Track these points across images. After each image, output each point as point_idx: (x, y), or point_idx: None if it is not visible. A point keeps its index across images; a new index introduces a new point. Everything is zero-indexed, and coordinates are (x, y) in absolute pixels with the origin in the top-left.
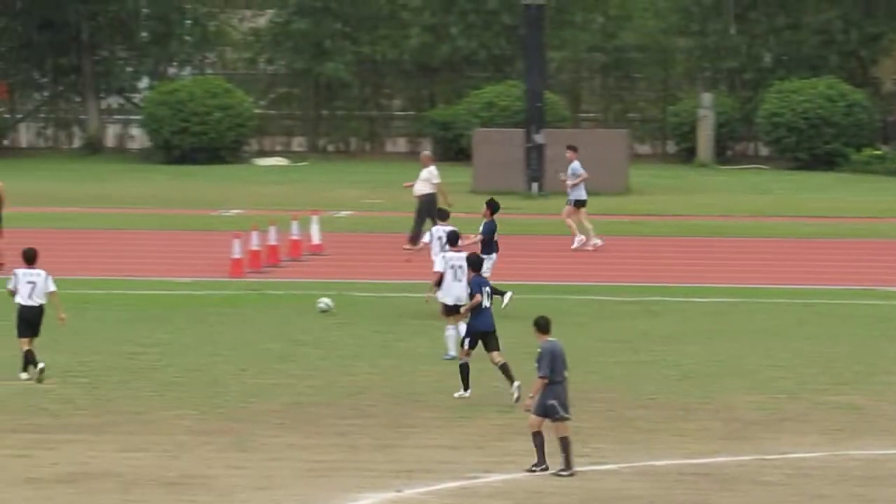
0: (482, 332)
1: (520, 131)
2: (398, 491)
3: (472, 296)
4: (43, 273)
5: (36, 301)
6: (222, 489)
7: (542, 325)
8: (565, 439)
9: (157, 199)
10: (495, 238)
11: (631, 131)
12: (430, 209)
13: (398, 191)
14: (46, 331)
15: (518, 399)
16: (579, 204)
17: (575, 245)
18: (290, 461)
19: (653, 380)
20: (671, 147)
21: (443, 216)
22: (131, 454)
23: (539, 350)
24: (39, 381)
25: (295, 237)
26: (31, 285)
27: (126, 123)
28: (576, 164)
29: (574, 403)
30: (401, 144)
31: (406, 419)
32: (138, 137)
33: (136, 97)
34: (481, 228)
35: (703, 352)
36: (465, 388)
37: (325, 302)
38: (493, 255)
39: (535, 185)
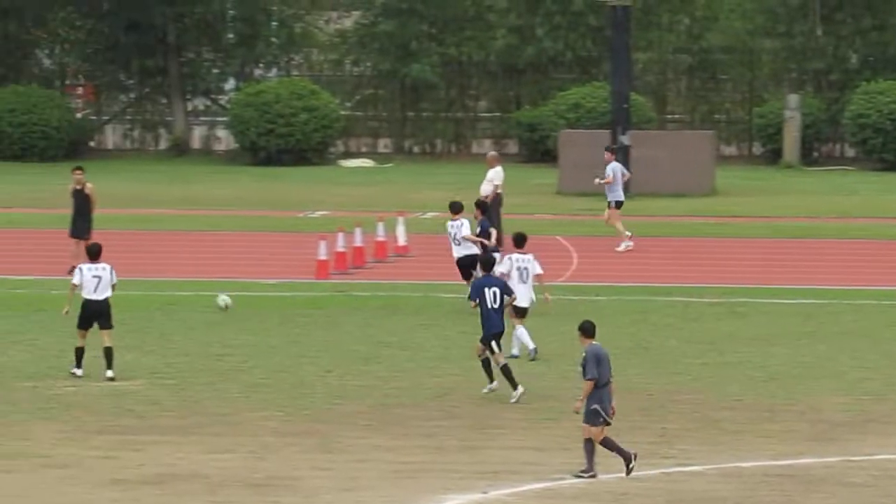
0: (496, 334)
1: (605, 133)
2: (484, 492)
3: (471, 298)
4: (108, 267)
5: (102, 295)
6: (308, 490)
7: (587, 329)
8: (606, 440)
9: (242, 201)
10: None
11: (717, 133)
12: (495, 209)
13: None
14: (135, 332)
15: (517, 401)
16: (618, 205)
17: (621, 248)
18: (376, 462)
19: (739, 381)
20: (757, 148)
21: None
22: (218, 455)
23: (583, 354)
24: (112, 379)
25: (381, 238)
26: (97, 280)
27: (212, 125)
28: (614, 165)
29: (661, 405)
30: (486, 146)
31: (491, 420)
32: (224, 139)
33: (223, 99)
34: (478, 230)
35: (789, 353)
36: (490, 381)
37: (223, 299)
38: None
39: None
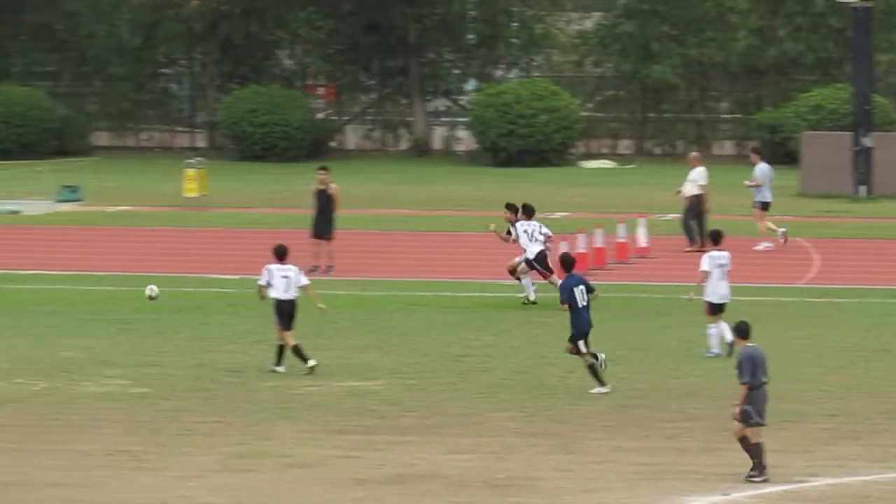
0: (586, 333)
1: (848, 135)
2: (725, 494)
3: (562, 300)
4: (294, 268)
5: (291, 295)
6: (549, 491)
7: (743, 331)
8: (757, 445)
9: (483, 202)
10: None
11: None
12: (697, 210)
13: (724, 194)
14: (376, 332)
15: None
16: (764, 206)
17: (763, 247)
18: (617, 464)
19: None
20: None
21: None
22: (459, 456)
23: (739, 356)
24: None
25: (621, 240)
26: (286, 280)
27: (452, 125)
28: (762, 166)
29: None
30: (728, 147)
31: (733, 423)
32: (465, 140)
33: (463, 99)
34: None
35: None
36: (601, 385)
37: (151, 289)
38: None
39: (862, 189)
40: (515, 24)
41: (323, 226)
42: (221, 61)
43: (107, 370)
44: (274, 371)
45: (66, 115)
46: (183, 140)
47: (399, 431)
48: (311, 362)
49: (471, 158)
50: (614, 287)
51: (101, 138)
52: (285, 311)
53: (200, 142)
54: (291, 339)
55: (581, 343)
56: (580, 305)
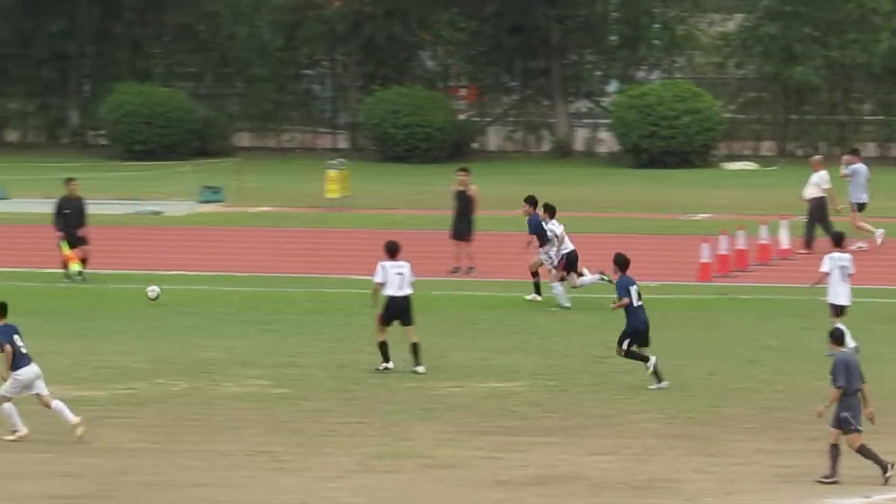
0: (643, 331)
1: None
2: (866, 497)
3: (620, 297)
4: (407, 264)
5: (405, 291)
6: (690, 493)
7: (838, 337)
8: (862, 447)
9: (624, 203)
10: (547, 232)
11: None
12: (820, 213)
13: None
14: (518, 333)
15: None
16: (860, 207)
17: (872, 244)
18: (759, 466)
19: None
20: None
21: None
22: (600, 457)
23: (833, 361)
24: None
25: (764, 241)
26: (400, 276)
27: (594, 127)
28: (859, 166)
29: None
30: (871, 149)
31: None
32: (607, 141)
33: (605, 101)
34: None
35: None
36: (659, 381)
37: (153, 289)
38: (550, 248)
39: None
40: (657, 26)
41: (462, 227)
42: (363, 62)
43: (247, 371)
44: (385, 370)
45: (208, 115)
46: (325, 141)
47: (540, 432)
48: (389, 364)
49: (612, 160)
50: (756, 289)
51: (243, 139)
52: (398, 308)
53: (342, 143)
54: (384, 335)
55: (626, 342)
56: (636, 304)
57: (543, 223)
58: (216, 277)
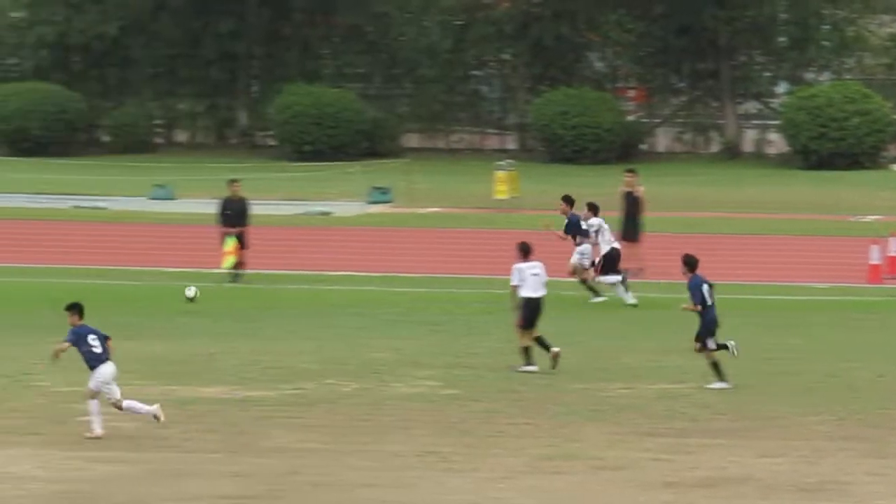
0: (715, 330)
1: None
2: None
3: (695, 302)
4: (540, 265)
5: (542, 292)
6: (860, 496)
7: None
8: None
9: (794, 205)
10: (585, 229)
11: None
12: None
13: None
14: (683, 333)
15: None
16: None
17: None
18: None
19: None
20: None
21: None
22: (769, 459)
23: None
24: (553, 366)
25: None
26: (536, 277)
27: (763, 128)
28: None
29: None
30: None
31: None
32: (776, 142)
33: (774, 102)
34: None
35: None
36: (721, 380)
37: (191, 289)
38: (586, 246)
39: None
40: (826, 27)
41: (630, 229)
42: (532, 63)
43: (417, 371)
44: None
45: (377, 116)
46: (493, 142)
47: (710, 434)
48: (533, 367)
49: (782, 161)
50: None
51: (412, 140)
52: (536, 309)
53: (511, 144)
54: (529, 339)
55: (710, 341)
56: (709, 304)
57: (583, 222)
58: (384, 278)
